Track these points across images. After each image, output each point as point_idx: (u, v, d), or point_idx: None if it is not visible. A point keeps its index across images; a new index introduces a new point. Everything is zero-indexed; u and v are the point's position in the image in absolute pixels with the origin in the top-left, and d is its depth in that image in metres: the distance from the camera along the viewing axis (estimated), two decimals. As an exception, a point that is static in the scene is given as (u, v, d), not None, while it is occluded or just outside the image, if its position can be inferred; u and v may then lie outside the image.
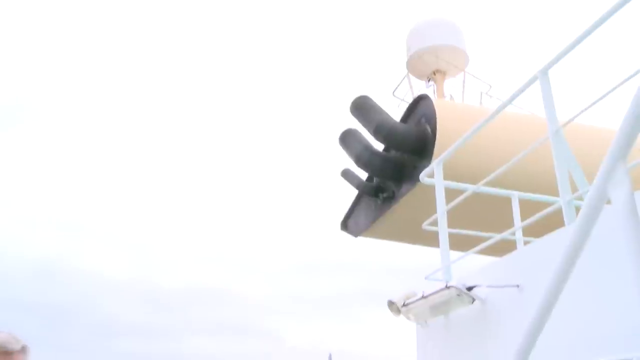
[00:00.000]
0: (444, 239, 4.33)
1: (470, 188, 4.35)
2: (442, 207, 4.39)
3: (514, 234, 4.41)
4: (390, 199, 8.84)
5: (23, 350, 2.00)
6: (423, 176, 4.66)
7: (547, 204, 4.41)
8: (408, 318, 4.52)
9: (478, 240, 4.43)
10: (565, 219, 3.44)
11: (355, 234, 9.90)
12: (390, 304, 4.47)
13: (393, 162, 8.62)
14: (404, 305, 4.38)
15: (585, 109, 3.41)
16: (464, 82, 11.56)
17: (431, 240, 5.25)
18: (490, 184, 4.22)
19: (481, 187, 4.24)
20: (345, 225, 10.08)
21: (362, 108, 8.19)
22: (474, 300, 3.93)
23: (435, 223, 4.49)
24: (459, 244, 4.59)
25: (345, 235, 9.82)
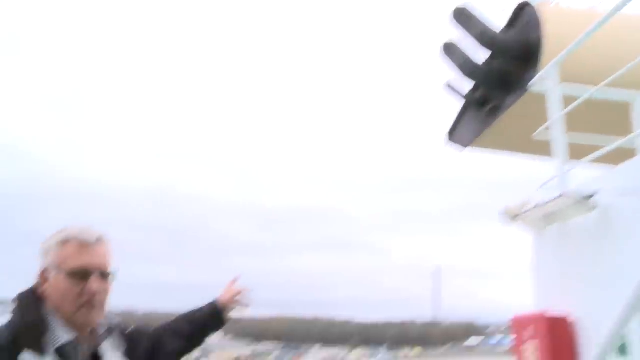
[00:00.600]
0: (558, 146, 4.22)
1: (588, 91, 4.18)
2: (556, 113, 4.26)
3: (633, 140, 4.23)
4: (497, 109, 8.64)
5: (99, 241, 1.96)
6: (535, 81, 4.52)
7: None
8: (523, 227, 4.51)
9: (593, 149, 4.29)
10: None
11: (462, 146, 9.80)
12: (504, 212, 4.46)
13: (498, 71, 8.38)
14: (518, 214, 4.36)
15: None
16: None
17: (542, 149, 5.12)
18: (608, 87, 4.05)
19: (600, 89, 4.07)
20: (451, 138, 9.99)
21: (464, 17, 7.94)
22: (592, 208, 3.86)
23: (548, 131, 4.38)
24: (573, 152, 4.46)
25: (452, 148, 9.74)
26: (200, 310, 2.63)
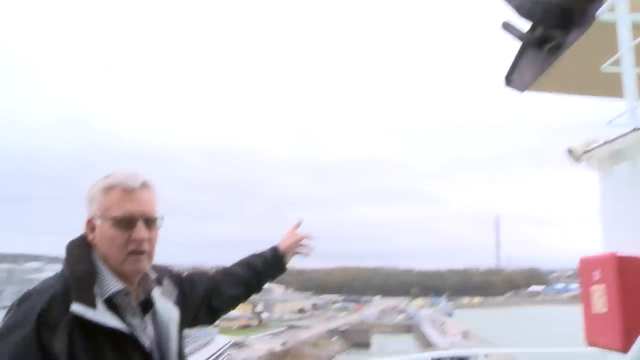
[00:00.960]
0: (628, 79, 4.00)
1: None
2: (626, 44, 4.02)
3: None
4: (558, 47, 8.27)
5: (143, 187, 1.90)
6: (601, 12, 4.27)
7: None
8: (588, 167, 4.33)
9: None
10: None
11: (521, 88, 9.47)
12: (570, 151, 4.29)
13: (558, 8, 7.99)
14: (584, 153, 4.19)
15: None
16: None
17: (608, 87, 4.88)
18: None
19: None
20: (509, 80, 9.67)
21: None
22: (664, 143, 3.66)
23: (616, 64, 4.15)
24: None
25: (510, 92, 9.44)
26: (260, 256, 2.56)
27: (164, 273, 2.08)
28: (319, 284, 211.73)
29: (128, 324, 1.80)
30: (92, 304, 1.71)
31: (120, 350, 1.76)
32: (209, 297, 2.32)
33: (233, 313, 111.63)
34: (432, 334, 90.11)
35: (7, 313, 1.72)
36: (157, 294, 1.97)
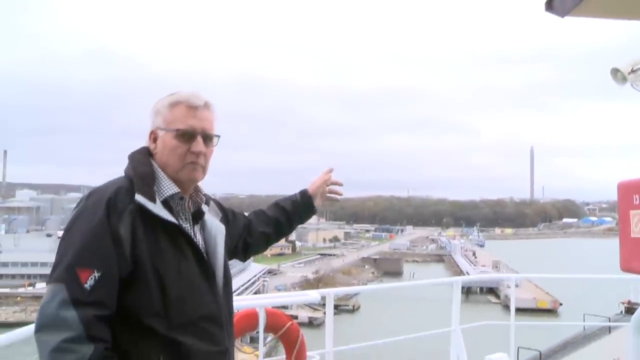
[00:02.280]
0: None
1: None
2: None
3: None
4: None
5: (206, 106, 2.06)
6: None
7: None
8: (636, 87, 4.14)
9: None
10: None
11: (562, 13, 9.07)
12: (615, 71, 4.09)
13: None
14: (632, 71, 3.99)
15: None
16: None
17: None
18: None
19: None
20: (550, 4, 9.27)
21: None
22: None
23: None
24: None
25: (549, 17, 9.09)
26: (290, 198, 2.70)
27: (211, 198, 2.24)
28: (352, 213, 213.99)
29: (179, 224, 1.96)
30: (152, 198, 1.90)
31: (175, 244, 1.91)
32: (245, 233, 2.48)
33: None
34: (463, 263, 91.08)
35: (77, 205, 1.91)
36: (205, 209, 2.13)
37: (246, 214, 2.58)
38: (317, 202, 2.71)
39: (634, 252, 3.68)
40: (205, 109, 2.05)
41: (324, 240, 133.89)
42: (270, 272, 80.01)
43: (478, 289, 67.58)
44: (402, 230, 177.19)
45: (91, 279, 1.74)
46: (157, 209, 1.89)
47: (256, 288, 65.79)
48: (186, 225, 2.01)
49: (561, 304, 59.14)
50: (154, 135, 2.05)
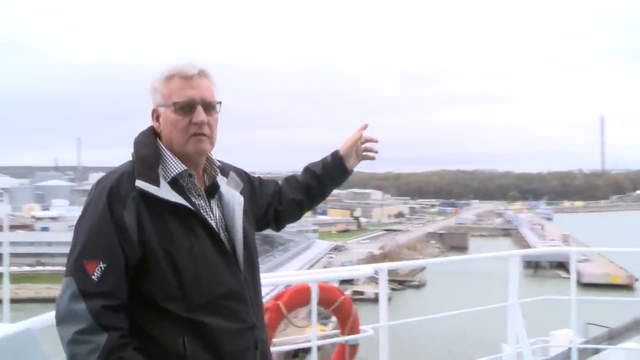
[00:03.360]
0: None
1: None
2: None
3: None
4: None
5: (201, 74, 2.01)
6: None
7: None
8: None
9: None
10: None
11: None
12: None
13: None
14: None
15: None
16: None
17: None
18: None
19: None
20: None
21: None
22: None
23: None
24: None
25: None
26: (321, 161, 2.54)
27: (231, 169, 2.20)
28: (416, 188, 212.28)
29: (191, 203, 1.93)
30: (155, 181, 1.88)
31: (185, 225, 1.89)
32: (275, 203, 2.40)
33: (332, 218, 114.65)
34: (530, 237, 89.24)
35: (89, 194, 1.92)
36: (222, 181, 2.09)
37: (279, 181, 2.49)
38: (351, 163, 2.52)
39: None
40: (201, 77, 2.00)
41: (389, 216, 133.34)
42: (335, 248, 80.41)
43: (548, 264, 66.14)
44: (467, 205, 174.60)
45: (98, 270, 1.76)
46: (162, 191, 1.87)
47: (322, 265, 66.28)
48: (199, 202, 1.98)
49: (637, 280, 57.21)
50: (156, 114, 2.02)
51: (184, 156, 1.98)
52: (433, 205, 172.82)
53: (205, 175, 2.07)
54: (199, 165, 2.04)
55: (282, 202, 2.42)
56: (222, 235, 2.00)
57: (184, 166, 1.96)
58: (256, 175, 2.40)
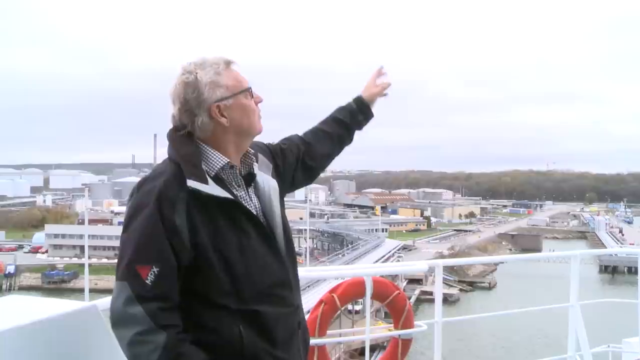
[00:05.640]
0: None
1: None
2: None
3: None
4: None
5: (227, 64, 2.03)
6: None
7: None
8: None
9: None
10: None
11: None
12: None
13: None
14: None
15: None
16: None
17: None
18: None
19: None
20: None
21: None
22: None
23: None
24: None
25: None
26: (345, 109, 2.60)
27: (257, 149, 2.18)
28: (488, 188, 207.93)
29: (234, 195, 1.96)
30: (203, 178, 1.89)
31: (230, 218, 1.92)
32: (303, 158, 2.41)
33: (402, 217, 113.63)
34: (608, 241, 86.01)
35: (130, 198, 1.94)
36: (256, 168, 2.09)
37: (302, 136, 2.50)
38: (373, 104, 2.64)
39: None
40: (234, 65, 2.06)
41: (460, 216, 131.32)
42: (405, 248, 79.79)
43: (625, 269, 63.58)
44: (541, 206, 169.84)
45: (151, 274, 1.79)
46: (211, 188, 1.89)
47: (390, 264, 65.55)
48: (241, 194, 2.01)
49: None
50: (218, 109, 1.97)
51: (245, 141, 2.06)
52: (505, 206, 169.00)
53: (241, 163, 2.07)
54: (245, 150, 2.07)
55: (314, 156, 2.45)
56: (262, 219, 2.04)
57: (226, 159, 1.98)
58: (274, 142, 2.40)
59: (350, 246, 74.15)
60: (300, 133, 2.52)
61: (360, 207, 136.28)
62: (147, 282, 1.79)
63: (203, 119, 1.97)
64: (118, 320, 1.80)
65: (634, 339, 5.44)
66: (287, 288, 2.05)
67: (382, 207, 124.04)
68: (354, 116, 2.58)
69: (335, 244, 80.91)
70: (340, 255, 65.38)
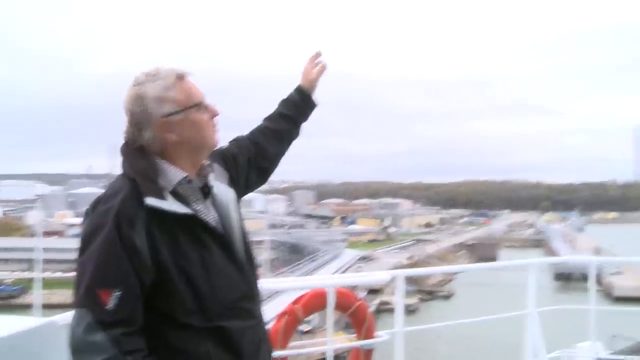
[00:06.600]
0: None
1: None
2: None
3: None
4: None
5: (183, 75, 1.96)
6: None
7: None
8: None
9: None
10: None
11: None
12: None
13: None
14: None
15: None
16: None
17: None
18: None
19: None
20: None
21: None
22: None
23: None
24: None
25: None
26: (289, 102, 2.56)
27: (211, 157, 2.12)
28: (446, 198, 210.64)
29: (193, 210, 1.90)
30: (161, 195, 1.83)
31: (191, 233, 1.87)
32: (255, 160, 2.38)
33: (361, 227, 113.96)
34: (561, 249, 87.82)
35: (85, 219, 1.86)
36: (212, 179, 2.04)
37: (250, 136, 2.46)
38: (314, 94, 2.61)
39: None
40: (189, 76, 1.99)
41: (419, 225, 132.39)
42: (364, 258, 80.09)
43: (580, 276, 64.92)
44: (498, 215, 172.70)
45: (113, 298, 1.72)
46: (169, 204, 1.83)
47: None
48: (199, 207, 1.95)
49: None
50: (167, 124, 1.91)
51: (199, 156, 1.99)
52: (463, 216, 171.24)
53: (198, 176, 2.01)
54: (200, 164, 2.01)
55: (266, 157, 2.43)
56: (221, 232, 1.99)
57: (183, 173, 1.92)
58: (225, 145, 2.34)
59: (309, 257, 74.17)
60: (247, 133, 2.48)
61: (320, 217, 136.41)
62: (109, 306, 1.72)
63: (150, 134, 1.91)
64: (79, 350, 1.72)
65: (586, 343, 5.58)
66: (250, 300, 2.02)
67: (342, 218, 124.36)
68: (299, 109, 2.56)
69: (295, 254, 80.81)
70: (300, 266, 65.29)
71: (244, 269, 2.02)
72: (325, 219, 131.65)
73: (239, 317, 1.95)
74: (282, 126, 2.51)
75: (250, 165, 2.36)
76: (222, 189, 2.07)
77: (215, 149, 2.08)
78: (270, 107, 2.59)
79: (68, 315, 1.92)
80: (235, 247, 2.01)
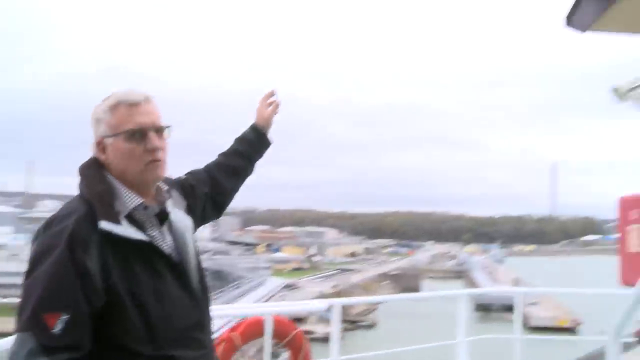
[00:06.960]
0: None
1: None
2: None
3: None
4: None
5: (147, 100, 1.94)
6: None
7: None
8: (635, 104, 4.22)
9: None
10: None
11: (583, 28, 9.13)
12: (615, 90, 4.18)
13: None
14: (631, 89, 4.08)
15: None
16: None
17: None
18: None
19: None
20: (570, 19, 9.34)
21: None
22: None
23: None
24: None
25: (570, 32, 9.12)
26: (244, 140, 2.59)
27: (169, 184, 2.10)
28: (371, 228, 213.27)
29: (149, 236, 1.87)
30: (116, 219, 1.79)
31: (145, 260, 1.84)
32: (212, 194, 2.37)
33: (286, 255, 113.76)
34: (481, 280, 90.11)
35: (35, 239, 1.79)
36: (170, 205, 2.01)
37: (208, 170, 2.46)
38: (269, 132, 2.66)
39: (632, 267, 3.76)
40: (147, 102, 1.94)
41: (344, 255, 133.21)
42: (288, 286, 79.76)
43: (500, 307, 66.76)
44: (422, 246, 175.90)
45: (60, 322, 1.65)
46: (124, 229, 1.79)
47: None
48: (154, 233, 1.91)
49: (579, 323, 58.22)
50: (102, 145, 1.91)
51: (139, 186, 1.92)
52: (388, 246, 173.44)
53: (154, 202, 1.98)
54: (151, 193, 1.97)
55: (222, 192, 2.44)
56: (176, 260, 1.96)
57: (140, 199, 1.89)
58: (182, 177, 2.34)
59: (233, 284, 73.28)
60: (203, 167, 2.48)
61: (245, 244, 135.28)
62: (55, 331, 1.64)
63: (94, 151, 1.94)
64: None
65: None
66: (202, 330, 1.99)
67: (267, 245, 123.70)
68: (254, 147, 2.59)
69: (218, 281, 79.62)
70: (223, 294, 64.35)
71: (197, 297, 1.98)
72: (250, 246, 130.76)
73: (190, 346, 1.90)
74: (237, 163, 2.53)
75: (207, 197, 2.35)
76: (180, 216, 2.04)
77: (163, 179, 2.03)
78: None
79: (8, 341, 1.85)
80: (189, 275, 1.98)
